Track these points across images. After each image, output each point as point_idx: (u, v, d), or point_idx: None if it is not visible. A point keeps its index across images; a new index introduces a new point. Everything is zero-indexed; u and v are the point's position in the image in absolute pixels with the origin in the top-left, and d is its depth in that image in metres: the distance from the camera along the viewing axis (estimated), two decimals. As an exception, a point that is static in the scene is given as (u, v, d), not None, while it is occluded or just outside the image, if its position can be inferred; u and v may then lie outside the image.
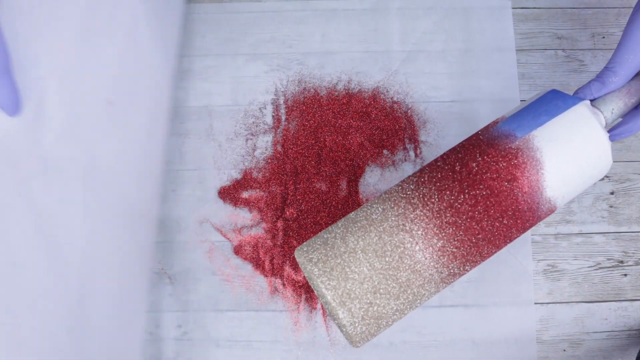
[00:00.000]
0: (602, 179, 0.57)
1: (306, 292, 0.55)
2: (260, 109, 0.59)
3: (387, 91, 0.59)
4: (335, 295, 0.39)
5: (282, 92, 0.59)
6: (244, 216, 0.56)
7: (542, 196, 0.40)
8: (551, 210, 0.42)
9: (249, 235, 0.56)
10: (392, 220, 0.41)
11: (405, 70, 0.60)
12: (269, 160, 0.57)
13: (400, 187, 0.43)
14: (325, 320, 0.54)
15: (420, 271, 0.40)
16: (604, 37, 0.61)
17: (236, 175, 0.57)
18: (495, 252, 0.43)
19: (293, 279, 0.55)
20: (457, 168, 0.41)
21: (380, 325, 0.41)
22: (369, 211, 0.42)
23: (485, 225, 0.40)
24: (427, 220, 0.40)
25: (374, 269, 0.39)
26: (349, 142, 0.57)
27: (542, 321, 0.55)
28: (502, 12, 0.61)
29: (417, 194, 0.41)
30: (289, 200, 0.56)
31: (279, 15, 0.61)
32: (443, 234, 0.40)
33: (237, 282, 0.55)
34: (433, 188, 0.41)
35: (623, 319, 0.55)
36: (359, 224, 0.42)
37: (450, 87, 0.59)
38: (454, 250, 0.40)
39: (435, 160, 0.44)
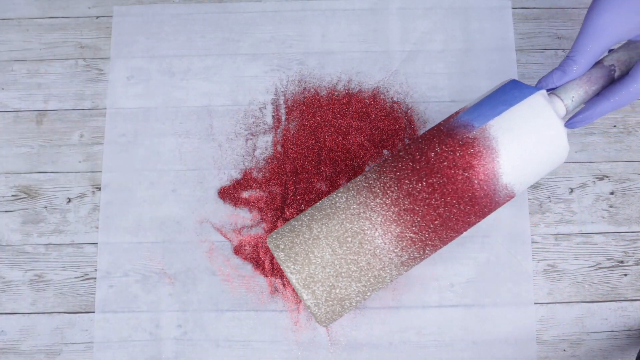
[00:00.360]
0: (602, 179, 0.57)
1: (306, 292, 0.55)
2: (260, 109, 0.59)
3: (387, 91, 0.59)
4: (300, 278, 0.42)
5: (282, 92, 0.59)
6: (244, 216, 0.56)
7: (498, 183, 0.42)
8: (509, 196, 0.44)
9: (249, 235, 0.56)
10: (353, 208, 0.43)
11: (405, 70, 0.60)
12: (269, 160, 0.57)
13: (364, 177, 0.45)
14: (325, 320, 0.54)
15: (379, 256, 0.43)
16: (604, 37, 0.61)
17: (236, 175, 0.57)
18: (456, 236, 0.45)
19: (293, 279, 0.55)
20: (417, 157, 0.43)
21: (344, 306, 0.44)
22: (334, 200, 0.45)
23: (442, 212, 0.42)
24: (386, 207, 0.42)
25: (336, 254, 0.42)
26: (349, 142, 0.57)
27: (542, 321, 0.55)
28: (502, 12, 0.61)
29: (378, 183, 0.44)
30: (289, 200, 0.56)
31: (279, 15, 0.61)
32: (401, 221, 0.42)
33: (237, 282, 0.55)
34: (393, 177, 0.43)
35: (623, 319, 0.55)
36: (323, 212, 0.44)
37: (450, 87, 0.59)
38: (412, 235, 0.42)
39: (399, 150, 0.46)
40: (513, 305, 0.54)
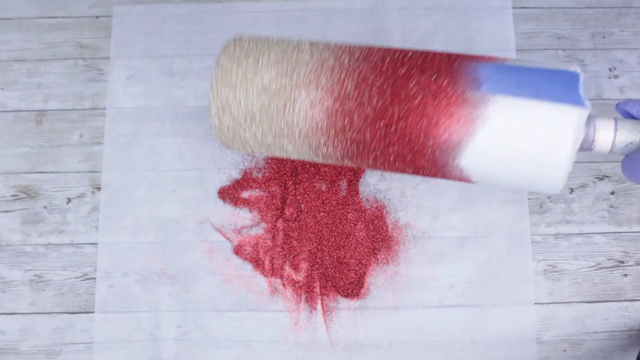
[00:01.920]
0: (602, 179, 0.57)
1: (306, 292, 0.55)
2: (260, 109, 0.59)
3: (387, 91, 0.59)
4: (215, 99, 0.39)
5: (282, 92, 0.59)
6: (244, 216, 0.56)
7: (452, 160, 0.35)
8: (460, 179, 0.37)
9: (249, 235, 0.56)
10: (303, 72, 0.38)
11: (405, 70, 0.59)
12: (269, 160, 0.57)
13: (339, 48, 0.40)
14: (325, 321, 0.54)
15: (292, 128, 0.39)
16: (604, 37, 0.61)
17: (236, 175, 0.57)
18: (377, 167, 0.39)
19: (293, 279, 0.55)
20: (398, 68, 0.37)
21: (246, 146, 0.41)
22: (301, 48, 0.40)
23: (369, 137, 0.37)
24: (329, 93, 0.37)
25: (262, 103, 0.39)
26: (349, 142, 0.57)
27: (542, 321, 0.55)
28: (502, 12, 0.61)
29: (347, 65, 0.38)
30: (289, 200, 0.56)
31: (279, 15, 0.61)
32: (333, 117, 0.37)
33: (237, 282, 0.55)
34: (364, 68, 0.37)
35: (623, 319, 0.55)
36: (286, 56, 0.39)
37: (450, 87, 0.59)
38: (338, 131, 0.38)
39: (396, 49, 0.39)
40: (513, 305, 0.54)
